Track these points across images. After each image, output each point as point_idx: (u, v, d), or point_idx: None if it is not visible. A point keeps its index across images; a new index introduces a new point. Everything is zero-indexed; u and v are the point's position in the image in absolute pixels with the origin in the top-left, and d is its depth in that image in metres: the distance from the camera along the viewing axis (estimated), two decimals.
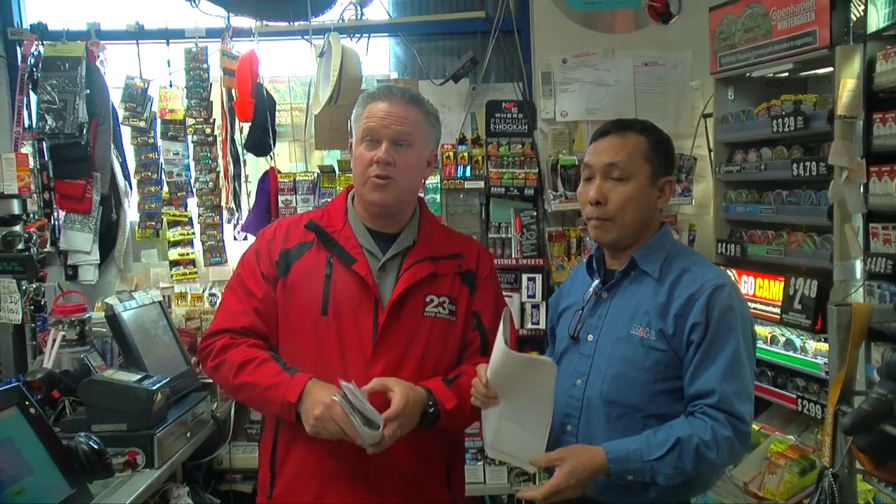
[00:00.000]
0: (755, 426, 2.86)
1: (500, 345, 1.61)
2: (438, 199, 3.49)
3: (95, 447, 1.70)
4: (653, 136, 1.72)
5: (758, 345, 2.84)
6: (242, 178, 3.60)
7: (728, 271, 2.99)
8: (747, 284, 2.91)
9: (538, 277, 3.36)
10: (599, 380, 1.69)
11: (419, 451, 1.80)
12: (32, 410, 1.57)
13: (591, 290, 1.79)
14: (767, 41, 2.80)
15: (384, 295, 1.81)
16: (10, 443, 1.51)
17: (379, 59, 3.77)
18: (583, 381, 1.72)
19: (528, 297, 3.37)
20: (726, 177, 3.08)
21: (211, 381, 3.08)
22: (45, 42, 3.56)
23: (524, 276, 3.38)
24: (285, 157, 3.71)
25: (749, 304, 2.85)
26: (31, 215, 3.20)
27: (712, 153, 3.19)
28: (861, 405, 1.22)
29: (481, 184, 3.45)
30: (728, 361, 1.58)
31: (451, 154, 3.48)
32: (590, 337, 1.75)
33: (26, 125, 3.58)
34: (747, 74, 3.02)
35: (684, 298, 1.62)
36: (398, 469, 1.79)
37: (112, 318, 2.63)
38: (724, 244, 3.06)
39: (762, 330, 2.91)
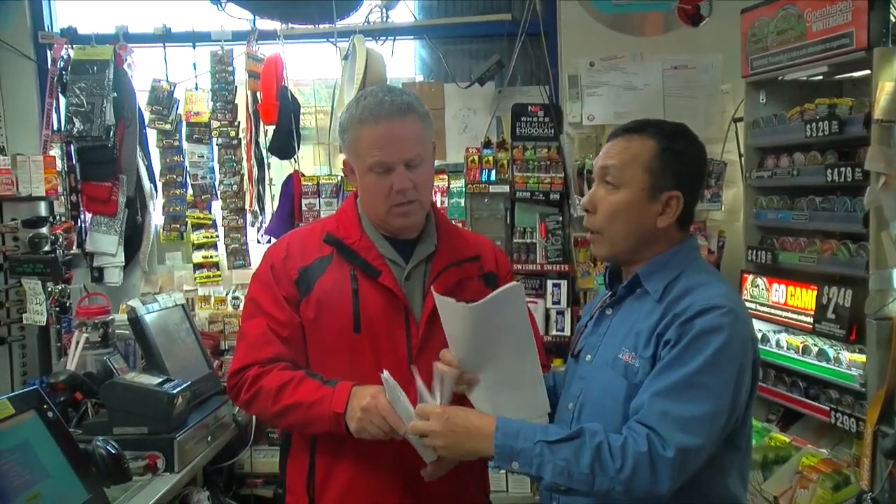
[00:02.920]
0: (785, 438, 2.79)
1: (456, 311, 1.49)
2: (463, 203, 3.46)
3: (113, 451, 1.69)
4: (665, 142, 1.49)
5: (790, 355, 2.82)
6: (266, 182, 3.61)
7: (759, 279, 2.93)
8: (778, 293, 2.84)
9: (563, 283, 3.32)
10: (582, 406, 1.54)
11: (456, 483, 1.73)
12: (50, 414, 1.56)
13: (598, 304, 1.64)
14: (801, 43, 2.72)
15: (414, 305, 1.76)
16: (27, 446, 1.50)
17: (404, 61, 3.76)
18: (574, 405, 1.56)
19: (553, 303, 3.32)
20: (757, 182, 3.01)
21: None
22: (74, 45, 3.60)
23: (549, 283, 3.33)
24: (309, 161, 3.71)
25: (780, 312, 2.82)
26: (58, 217, 3.23)
27: (743, 158, 3.12)
28: None
29: (506, 188, 3.43)
30: (676, 381, 1.35)
31: (476, 158, 3.45)
32: (588, 357, 1.58)
33: (55, 128, 3.62)
34: (780, 78, 2.94)
35: (670, 317, 1.41)
36: (443, 480, 1.68)
37: (135, 321, 2.65)
38: (754, 251, 2.99)
39: (794, 339, 2.83)
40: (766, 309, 2.91)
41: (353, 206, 1.83)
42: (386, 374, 1.55)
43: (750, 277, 3.00)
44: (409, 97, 1.74)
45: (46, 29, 3.77)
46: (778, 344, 2.91)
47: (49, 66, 3.65)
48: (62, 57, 3.60)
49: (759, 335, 2.99)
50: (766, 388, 2.96)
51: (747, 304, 3.00)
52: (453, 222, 2.11)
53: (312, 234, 1.81)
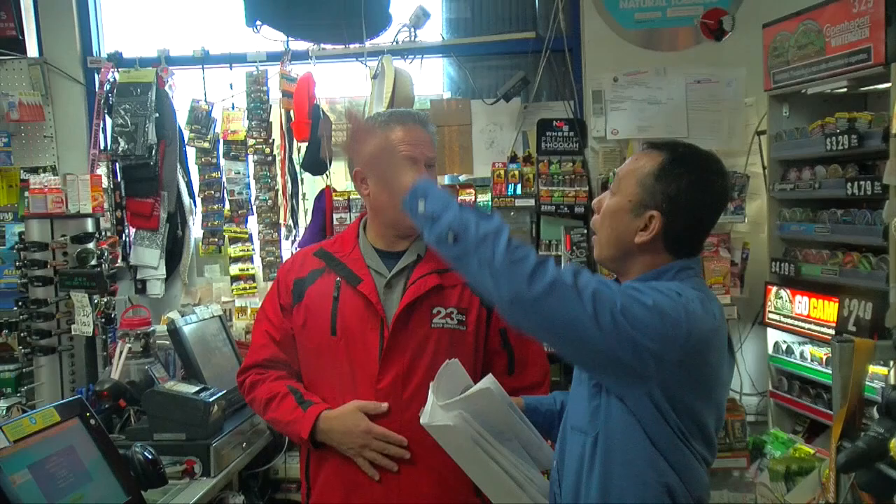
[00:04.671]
0: (809, 449, 2.80)
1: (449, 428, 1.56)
2: None
3: (150, 457, 1.81)
4: (667, 162, 1.49)
5: (814, 367, 2.83)
6: (300, 196, 3.73)
7: (783, 291, 2.95)
8: (801, 304, 2.85)
9: None
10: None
11: (441, 479, 1.84)
12: (92, 421, 1.68)
13: None
14: (821, 58, 2.75)
15: (389, 311, 1.88)
16: (71, 451, 1.62)
17: (432, 78, 3.85)
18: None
19: None
20: (780, 195, 3.03)
21: None
22: (119, 69, 3.77)
23: None
24: (341, 176, 3.81)
25: (803, 324, 2.83)
26: (104, 232, 3.38)
27: (766, 171, 3.15)
28: (856, 443, 1.20)
29: (532, 202, 3.49)
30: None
31: (502, 172, 3.52)
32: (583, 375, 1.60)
33: (102, 147, 3.80)
34: (802, 91, 2.97)
35: None
36: (420, 492, 1.84)
37: (174, 332, 2.77)
38: (778, 263, 3.01)
39: (817, 351, 2.85)
40: (789, 320, 2.93)
41: (355, 226, 2.03)
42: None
43: (774, 289, 3.02)
44: (427, 116, 1.99)
45: (95, 54, 3.96)
46: (802, 355, 2.93)
47: (97, 89, 3.83)
48: (108, 80, 3.78)
49: (784, 346, 3.01)
50: (792, 400, 2.97)
51: (771, 316, 3.02)
52: None
53: (313, 250, 2.03)
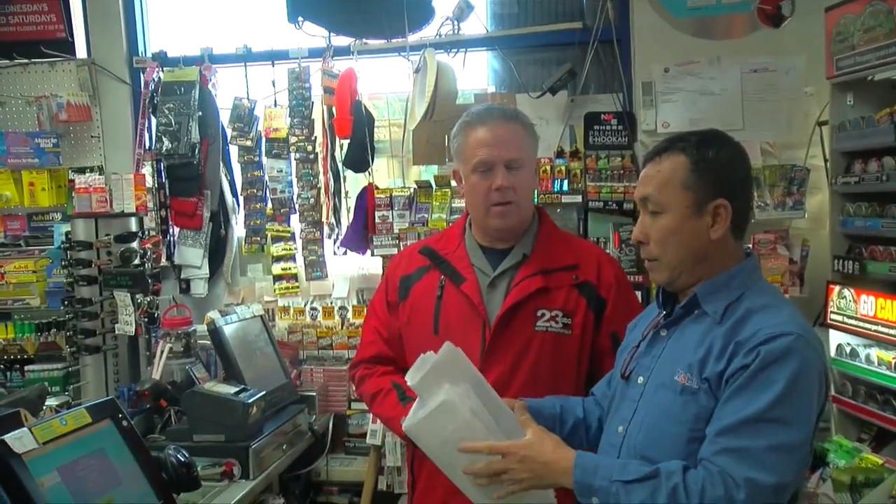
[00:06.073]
0: (877, 459, 2.63)
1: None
2: None
3: (183, 459, 1.77)
4: (695, 154, 1.45)
5: (881, 371, 2.66)
6: (342, 194, 3.68)
7: (846, 290, 2.79)
8: (867, 305, 2.69)
9: (638, 294, 3.23)
10: (636, 430, 1.48)
11: None
12: (125, 423, 1.65)
13: (651, 324, 1.59)
14: (891, 41, 2.58)
15: (492, 311, 1.86)
16: (102, 453, 1.59)
17: (476, 72, 3.76)
18: (624, 429, 1.51)
19: None
20: (844, 188, 2.87)
21: (310, 394, 3.19)
22: (164, 68, 3.78)
23: None
24: (384, 173, 3.76)
25: (869, 326, 2.67)
26: (148, 232, 3.39)
27: (828, 163, 2.98)
28: None
29: (579, 198, 3.37)
30: (747, 416, 1.30)
31: (548, 168, 3.41)
32: (640, 379, 1.53)
33: (146, 147, 3.81)
34: (869, 78, 2.80)
35: (733, 346, 1.36)
36: None
37: (214, 332, 2.76)
38: (840, 261, 2.85)
39: (885, 354, 2.68)
40: (854, 322, 2.76)
41: (462, 222, 2.02)
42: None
43: (836, 288, 2.85)
44: (517, 111, 1.97)
45: (141, 54, 3.97)
46: (868, 359, 2.77)
47: (142, 89, 3.85)
48: (153, 79, 3.79)
49: (848, 349, 2.85)
50: (857, 406, 2.81)
51: (833, 317, 2.86)
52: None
53: (419, 247, 2.04)
